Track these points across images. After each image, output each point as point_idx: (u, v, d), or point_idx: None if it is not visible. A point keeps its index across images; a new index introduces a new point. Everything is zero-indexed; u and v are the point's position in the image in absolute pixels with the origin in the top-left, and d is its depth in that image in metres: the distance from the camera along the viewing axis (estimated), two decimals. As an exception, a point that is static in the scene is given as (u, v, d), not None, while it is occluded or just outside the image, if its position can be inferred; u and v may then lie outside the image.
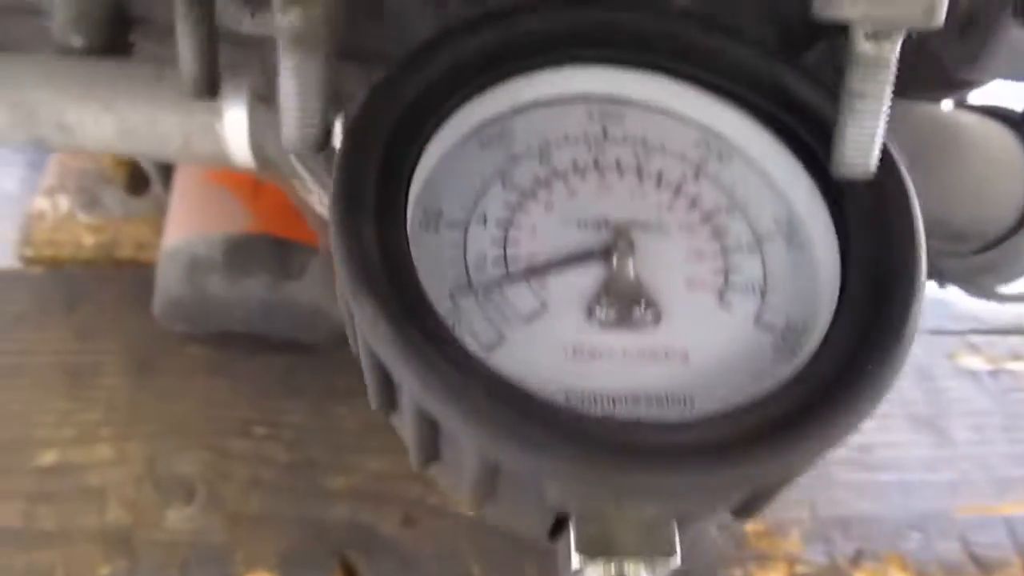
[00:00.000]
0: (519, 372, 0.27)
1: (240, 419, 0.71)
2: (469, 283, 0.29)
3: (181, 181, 0.70)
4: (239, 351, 0.71)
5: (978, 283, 0.52)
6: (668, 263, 0.31)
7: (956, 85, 0.48)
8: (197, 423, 0.71)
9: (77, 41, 0.58)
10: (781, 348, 0.30)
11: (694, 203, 0.33)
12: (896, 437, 0.73)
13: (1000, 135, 0.46)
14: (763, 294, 0.31)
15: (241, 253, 0.64)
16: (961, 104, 0.50)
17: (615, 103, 0.35)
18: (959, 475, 0.72)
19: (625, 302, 0.30)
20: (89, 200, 0.90)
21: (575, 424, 0.25)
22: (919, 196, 0.36)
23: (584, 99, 0.34)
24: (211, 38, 0.37)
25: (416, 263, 0.28)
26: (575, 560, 0.26)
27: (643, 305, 0.29)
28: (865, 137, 0.29)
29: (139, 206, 0.88)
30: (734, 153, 0.34)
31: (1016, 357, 0.78)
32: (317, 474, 0.68)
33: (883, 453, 0.72)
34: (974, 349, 0.79)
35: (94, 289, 0.82)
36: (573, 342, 0.29)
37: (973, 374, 0.77)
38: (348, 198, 0.28)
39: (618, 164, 0.33)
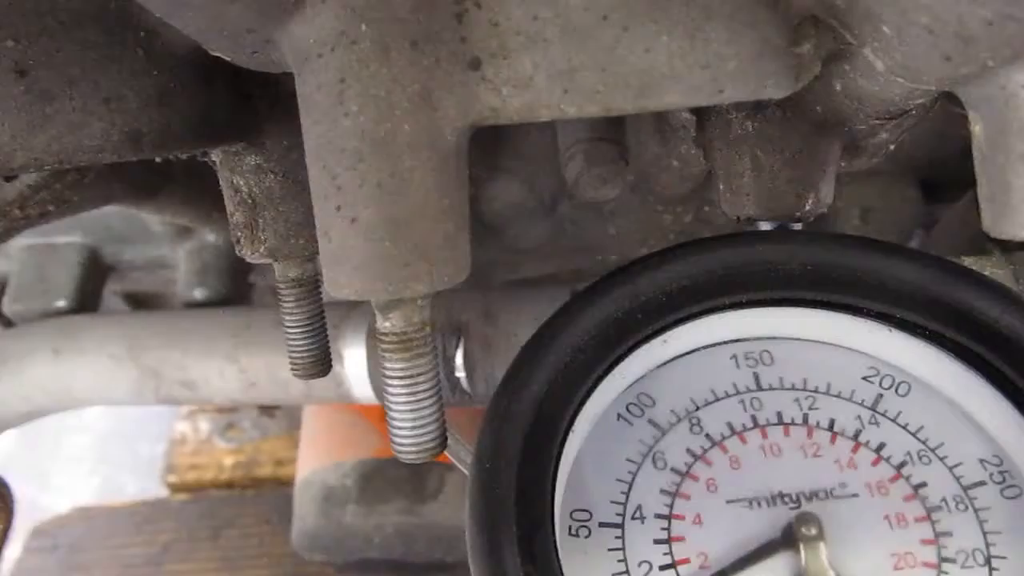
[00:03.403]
0: None
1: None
2: None
3: (311, 406, 0.69)
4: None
5: None
6: (865, 537, 0.26)
7: None
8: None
9: (200, 293, 0.60)
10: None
11: (879, 453, 0.28)
12: None
13: None
14: (989, 562, 0.25)
15: (375, 479, 0.62)
16: None
17: (761, 341, 0.30)
18: None
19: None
20: (226, 423, 0.91)
21: None
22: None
23: (729, 344, 0.30)
24: (319, 317, 0.36)
25: None
26: None
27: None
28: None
29: (274, 425, 0.89)
30: (913, 384, 0.29)
31: None
32: None
33: None
34: None
35: (237, 514, 0.82)
36: None
37: None
38: (486, 514, 0.24)
39: (780, 417, 0.29)
